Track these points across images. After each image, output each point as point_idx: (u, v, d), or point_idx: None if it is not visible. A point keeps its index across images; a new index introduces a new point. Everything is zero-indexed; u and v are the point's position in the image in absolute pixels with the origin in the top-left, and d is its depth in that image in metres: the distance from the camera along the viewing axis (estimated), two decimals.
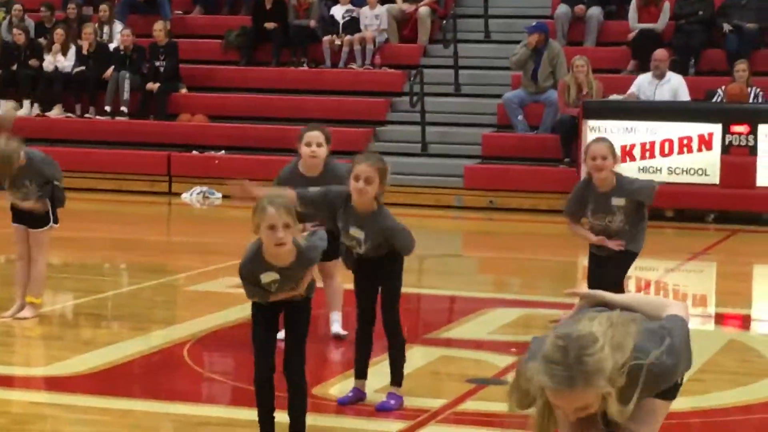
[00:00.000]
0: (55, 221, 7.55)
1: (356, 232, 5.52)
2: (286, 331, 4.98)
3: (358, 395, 5.78)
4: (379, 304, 5.69)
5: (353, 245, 5.57)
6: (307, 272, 4.91)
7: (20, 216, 7.51)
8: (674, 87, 13.60)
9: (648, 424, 3.48)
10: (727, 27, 14.56)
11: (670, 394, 3.56)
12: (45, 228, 7.52)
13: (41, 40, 16.44)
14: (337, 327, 7.03)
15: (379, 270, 5.62)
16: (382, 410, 5.65)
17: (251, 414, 5.17)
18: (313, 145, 6.57)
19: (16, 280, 7.64)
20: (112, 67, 15.74)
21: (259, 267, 4.85)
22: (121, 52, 15.88)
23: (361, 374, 5.79)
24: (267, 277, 4.83)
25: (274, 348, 4.97)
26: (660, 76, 13.62)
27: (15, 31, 16.30)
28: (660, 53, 13.71)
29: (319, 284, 6.04)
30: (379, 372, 5.86)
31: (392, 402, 5.70)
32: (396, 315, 5.65)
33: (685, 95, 13.63)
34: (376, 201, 5.49)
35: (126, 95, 15.57)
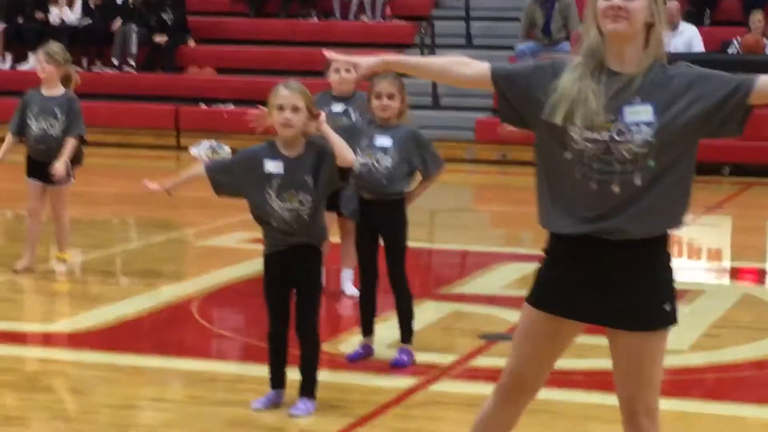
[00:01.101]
0: (73, 177, 7.48)
1: (383, 141, 5.44)
2: (298, 286, 4.86)
3: (367, 351, 5.71)
4: (383, 258, 5.57)
5: (376, 163, 5.43)
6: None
7: (39, 171, 7.37)
8: (688, 38, 13.40)
9: (654, 384, 3.38)
10: None
11: (668, 318, 3.36)
12: (67, 184, 7.43)
13: None
14: (349, 286, 6.93)
15: (382, 218, 5.49)
16: (396, 366, 5.57)
17: (260, 370, 5.12)
18: (342, 71, 6.56)
19: (28, 236, 7.54)
20: (120, 19, 15.59)
21: (268, 152, 4.81)
22: (129, 5, 15.71)
23: (367, 331, 5.72)
24: (272, 166, 4.77)
25: (288, 301, 4.88)
26: (673, 27, 13.42)
27: None
28: (671, 6, 13.48)
29: (335, 240, 6.06)
30: (390, 326, 5.80)
31: (405, 357, 5.63)
32: (402, 270, 5.54)
33: (699, 46, 13.43)
34: (401, 116, 5.50)
35: (133, 48, 15.44)
